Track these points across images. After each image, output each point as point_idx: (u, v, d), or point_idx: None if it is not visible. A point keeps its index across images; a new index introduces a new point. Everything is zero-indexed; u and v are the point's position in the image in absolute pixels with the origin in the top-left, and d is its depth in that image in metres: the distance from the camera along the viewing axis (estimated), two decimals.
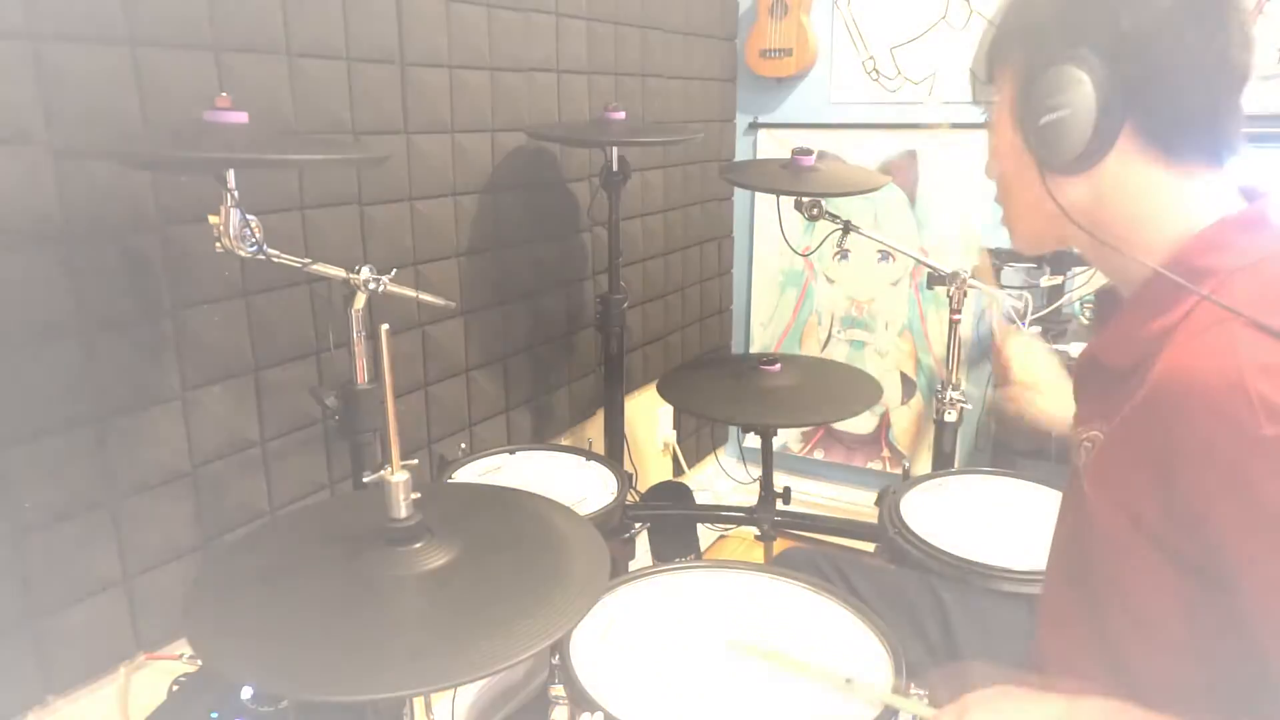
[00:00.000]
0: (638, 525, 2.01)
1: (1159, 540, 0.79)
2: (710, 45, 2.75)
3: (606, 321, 2.09)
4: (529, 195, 2.06)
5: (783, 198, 1.96)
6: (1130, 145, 0.82)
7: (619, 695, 1.00)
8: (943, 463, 1.94)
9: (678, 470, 2.86)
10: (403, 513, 0.99)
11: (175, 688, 1.16)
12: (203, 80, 1.34)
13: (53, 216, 1.18)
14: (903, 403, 2.91)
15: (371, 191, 1.65)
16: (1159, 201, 0.84)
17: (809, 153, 1.97)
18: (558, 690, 1.04)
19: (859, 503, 2.93)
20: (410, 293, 1.38)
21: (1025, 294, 2.33)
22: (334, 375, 1.53)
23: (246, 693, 1.09)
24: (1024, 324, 2.34)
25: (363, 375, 1.34)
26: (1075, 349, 2.20)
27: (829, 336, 2.98)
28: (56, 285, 1.19)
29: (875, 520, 1.61)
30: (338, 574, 0.99)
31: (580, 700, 0.99)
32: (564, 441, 2.30)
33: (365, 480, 1.06)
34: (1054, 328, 2.35)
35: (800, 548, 1.42)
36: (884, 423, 2.96)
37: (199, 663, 1.16)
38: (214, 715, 1.11)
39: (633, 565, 1.90)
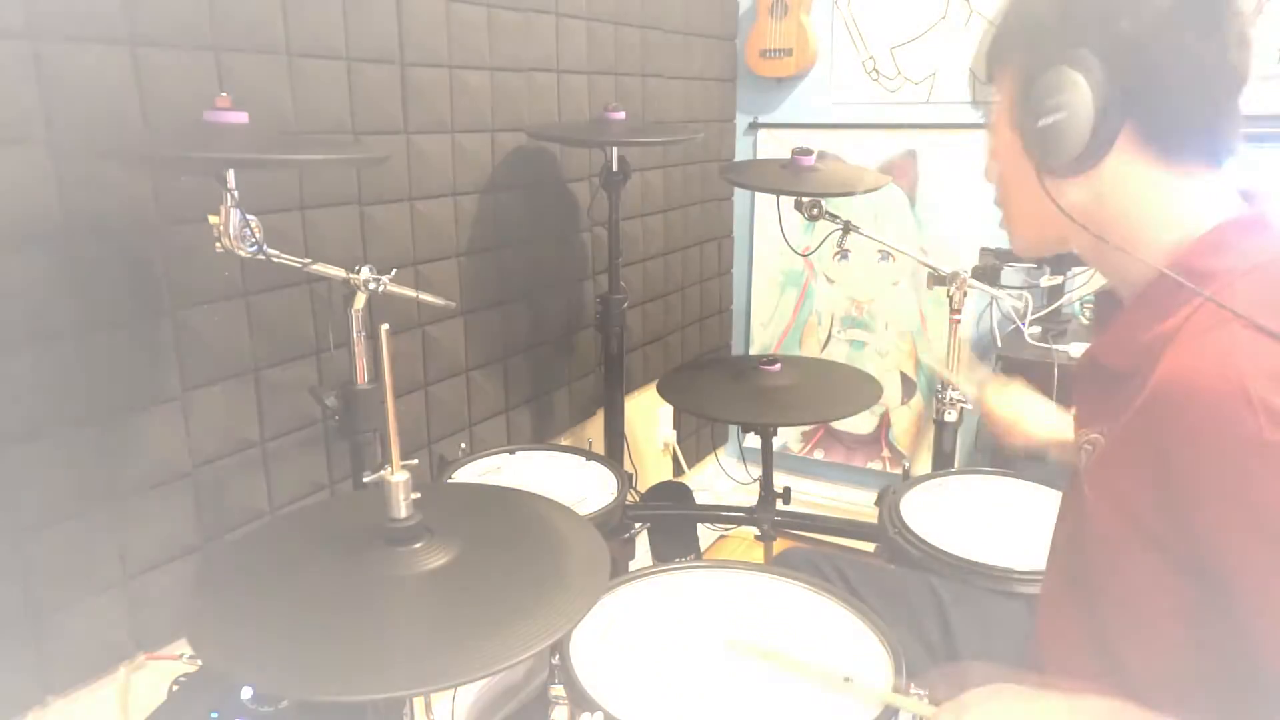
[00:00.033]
0: (638, 525, 2.01)
1: (1158, 542, 0.79)
2: (710, 45, 2.75)
3: (606, 321, 2.09)
4: (529, 195, 2.06)
5: (783, 198, 1.96)
6: (1129, 147, 0.82)
7: (619, 695, 1.00)
8: (943, 463, 1.94)
9: (678, 470, 2.86)
10: (403, 513, 0.99)
11: (175, 688, 1.16)
12: (203, 80, 1.34)
13: (53, 216, 1.18)
14: (903, 403, 2.91)
15: (371, 191, 1.65)
16: (1158, 203, 0.84)
17: (809, 153, 1.97)
18: (558, 690, 1.04)
19: (859, 503, 2.92)
20: (410, 293, 1.38)
21: (1025, 294, 2.34)
22: (334, 375, 1.53)
23: (246, 693, 1.09)
24: (1024, 324, 2.35)
25: (363, 375, 1.34)
26: (1075, 349, 2.20)
27: (829, 336, 2.98)
28: (57, 285, 1.19)
29: (875, 520, 1.61)
30: (338, 574, 0.99)
31: (580, 700, 0.99)
32: (564, 441, 2.30)
33: (365, 480, 1.06)
34: (1054, 328, 2.35)
35: (800, 548, 1.42)
36: (884, 423, 2.96)
37: (199, 663, 1.15)
38: (214, 715, 1.10)
39: (633, 565, 1.90)
